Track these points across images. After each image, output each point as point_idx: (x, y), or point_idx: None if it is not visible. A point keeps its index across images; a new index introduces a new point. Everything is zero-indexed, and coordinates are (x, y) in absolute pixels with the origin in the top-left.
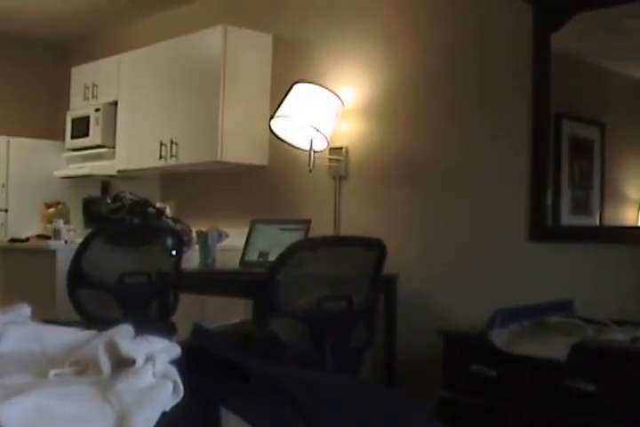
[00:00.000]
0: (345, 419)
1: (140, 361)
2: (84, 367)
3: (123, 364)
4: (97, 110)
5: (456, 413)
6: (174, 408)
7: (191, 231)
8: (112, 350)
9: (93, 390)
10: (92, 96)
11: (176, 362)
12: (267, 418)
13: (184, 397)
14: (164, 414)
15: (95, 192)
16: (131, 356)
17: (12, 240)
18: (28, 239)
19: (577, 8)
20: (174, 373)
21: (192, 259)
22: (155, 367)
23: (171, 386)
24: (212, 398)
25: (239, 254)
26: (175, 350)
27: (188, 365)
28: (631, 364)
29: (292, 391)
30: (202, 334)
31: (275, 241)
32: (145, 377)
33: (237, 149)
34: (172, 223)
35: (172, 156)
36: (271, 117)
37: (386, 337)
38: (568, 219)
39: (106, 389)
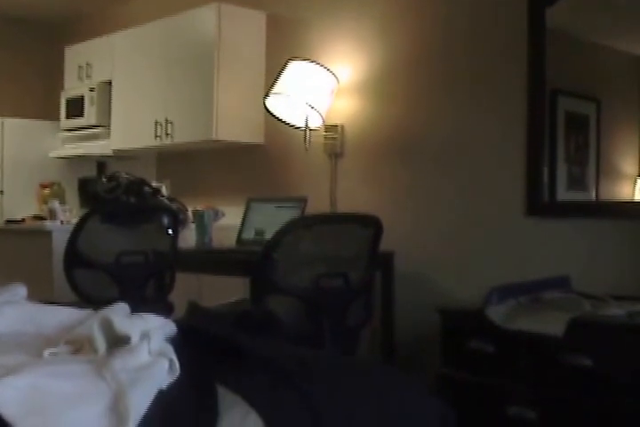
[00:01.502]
0: (343, 398)
1: (135, 339)
2: (79, 346)
3: (118, 342)
4: (91, 90)
5: (455, 389)
6: (170, 386)
7: (187, 210)
8: (107, 328)
9: (89, 369)
10: (87, 76)
11: (172, 340)
12: (264, 396)
13: (180, 375)
14: (160, 392)
15: (91, 172)
16: (126, 334)
17: (8, 221)
18: (23, 220)
19: None
20: (170, 351)
21: (188, 238)
22: (150, 345)
23: (166, 364)
24: (208, 375)
25: (236, 233)
26: (171, 328)
27: (184, 343)
28: (628, 338)
29: (290, 370)
30: (197, 312)
31: (271, 219)
32: (140, 355)
33: (233, 127)
34: (167, 202)
35: (167, 135)
36: (266, 95)
37: (383, 315)
38: (564, 194)
39: (101, 367)
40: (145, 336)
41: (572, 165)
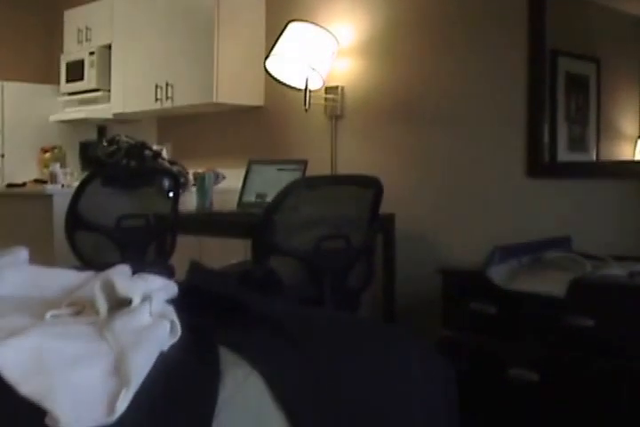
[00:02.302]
0: (345, 357)
1: (136, 301)
2: (81, 308)
3: (120, 304)
4: (91, 54)
5: (456, 351)
6: (172, 347)
7: (188, 173)
8: (109, 289)
9: (91, 331)
10: (86, 39)
11: (173, 301)
12: (265, 356)
13: (182, 336)
14: (161, 353)
15: (91, 136)
16: (127, 295)
17: (9, 185)
18: (24, 184)
19: None
20: (171, 312)
21: (189, 201)
22: (152, 307)
23: (168, 325)
24: (210, 336)
25: (237, 196)
26: (172, 289)
27: (185, 303)
28: (629, 298)
29: (291, 329)
30: (199, 272)
31: (272, 182)
32: (141, 317)
33: (233, 89)
34: (168, 165)
35: (167, 98)
36: (266, 57)
37: (385, 277)
38: (565, 155)
39: (103, 329)
40: (146, 298)
41: (572, 125)
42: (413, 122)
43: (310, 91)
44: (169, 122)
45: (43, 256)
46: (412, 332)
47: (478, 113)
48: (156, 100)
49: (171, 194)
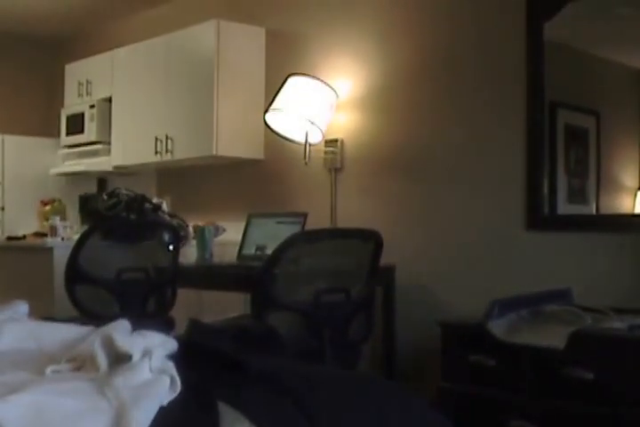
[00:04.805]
0: (344, 413)
1: (136, 356)
2: (81, 364)
3: (120, 359)
4: (91, 107)
5: (456, 403)
6: (172, 403)
7: (188, 226)
8: (109, 345)
9: (91, 387)
10: (87, 93)
11: (173, 357)
12: (265, 412)
13: (181, 391)
14: (161, 409)
15: (91, 189)
16: (127, 351)
17: (9, 238)
18: (24, 237)
19: None
20: (171, 368)
21: (189, 254)
22: (151, 362)
23: (168, 381)
24: (209, 392)
25: (236, 249)
26: (172, 345)
27: (185, 359)
28: (629, 351)
29: (291, 385)
30: (199, 329)
31: (272, 235)
32: (142, 372)
33: (233, 143)
34: (168, 219)
35: (167, 151)
36: (266, 111)
37: (385, 329)
38: (565, 207)
39: (103, 385)
40: (146, 353)
41: (572, 178)
42: (413, 174)
43: (310, 144)
44: (169, 175)
45: (43, 308)
46: (412, 387)
47: (477, 165)
48: (156, 153)
49: (171, 247)
